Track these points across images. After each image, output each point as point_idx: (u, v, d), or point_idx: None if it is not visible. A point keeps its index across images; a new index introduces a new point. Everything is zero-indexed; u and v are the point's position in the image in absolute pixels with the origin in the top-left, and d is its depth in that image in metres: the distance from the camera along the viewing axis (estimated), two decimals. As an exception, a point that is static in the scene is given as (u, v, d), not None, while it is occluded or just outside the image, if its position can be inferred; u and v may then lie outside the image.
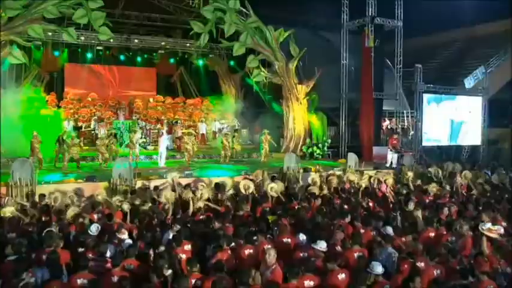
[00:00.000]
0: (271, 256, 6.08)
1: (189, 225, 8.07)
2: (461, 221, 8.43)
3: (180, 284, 5.27)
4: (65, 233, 7.47)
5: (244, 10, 19.87)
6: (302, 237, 7.37)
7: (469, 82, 25.23)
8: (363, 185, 12.29)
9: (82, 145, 16.84)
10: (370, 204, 10.74)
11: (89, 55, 23.98)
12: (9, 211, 8.65)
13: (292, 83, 20.84)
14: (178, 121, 22.90)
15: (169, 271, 5.84)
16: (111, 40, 23.03)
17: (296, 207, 9.81)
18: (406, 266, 6.47)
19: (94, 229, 7.55)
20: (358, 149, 20.10)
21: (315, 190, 11.60)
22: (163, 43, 24.89)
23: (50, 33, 20.94)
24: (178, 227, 7.40)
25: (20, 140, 15.89)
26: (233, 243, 6.92)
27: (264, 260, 6.17)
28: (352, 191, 12.02)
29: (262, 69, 20.76)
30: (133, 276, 5.82)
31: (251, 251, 6.81)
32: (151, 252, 6.55)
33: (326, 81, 22.05)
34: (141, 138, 21.48)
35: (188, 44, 24.94)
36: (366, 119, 21.18)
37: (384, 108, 24.55)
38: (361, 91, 21.20)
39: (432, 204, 10.66)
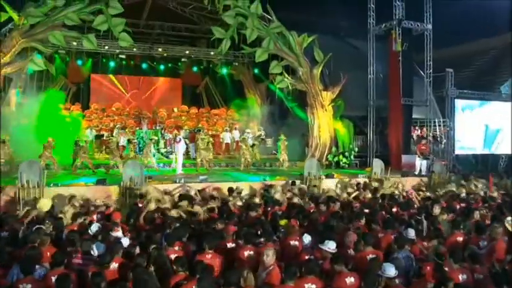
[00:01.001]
0: (269, 257, 5.50)
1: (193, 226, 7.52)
2: (495, 225, 7.57)
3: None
4: (58, 232, 7.06)
5: (266, 15, 19.43)
6: (307, 238, 6.67)
7: (505, 89, 23.99)
8: (387, 191, 11.47)
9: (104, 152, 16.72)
10: (394, 209, 9.93)
11: (112, 64, 23.93)
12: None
13: (316, 89, 20.16)
14: (201, 129, 22.44)
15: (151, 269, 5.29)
16: (134, 49, 23.20)
17: (311, 211, 9.11)
18: (428, 268, 5.72)
19: (94, 229, 7.14)
20: (387, 158, 19.18)
21: (334, 194, 10.84)
22: (187, 52, 24.64)
23: (74, 43, 21.16)
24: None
25: (38, 146, 15.72)
26: (231, 244, 6.29)
27: (261, 260, 5.54)
28: (374, 195, 11.19)
29: (286, 75, 20.16)
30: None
31: (251, 252, 6.16)
32: (137, 250, 6.02)
33: (352, 88, 21.26)
34: (163, 148, 21.35)
35: (212, 53, 24.59)
36: (394, 126, 20.27)
37: (414, 116, 23.52)
38: (389, 97, 20.32)
39: (463, 210, 9.80)
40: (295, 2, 19.99)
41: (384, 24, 20.43)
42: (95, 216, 8.31)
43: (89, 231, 7.12)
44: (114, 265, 5.60)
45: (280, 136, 18.85)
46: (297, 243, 6.76)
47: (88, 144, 19.03)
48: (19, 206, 9.87)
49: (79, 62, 23.02)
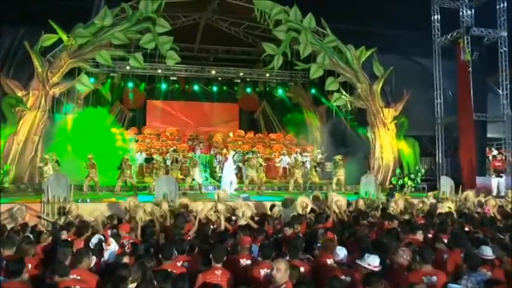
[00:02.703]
0: (281, 272, 4.35)
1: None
2: None
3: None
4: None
5: (320, 29, 18.38)
6: (342, 252, 5.30)
7: None
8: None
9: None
10: (466, 228, 8.24)
11: (164, 87, 23.67)
12: None
13: (377, 106, 18.68)
14: (255, 152, 21.40)
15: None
16: (187, 71, 22.86)
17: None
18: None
19: (94, 241, 6.26)
20: (459, 180, 17.06)
21: (393, 211, 9.30)
22: (241, 74, 23.91)
23: (127, 67, 21.10)
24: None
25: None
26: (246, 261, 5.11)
27: (272, 276, 4.30)
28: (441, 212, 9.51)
29: (343, 92, 18.85)
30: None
31: (269, 270, 4.88)
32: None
33: (417, 105, 19.59)
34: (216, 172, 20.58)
35: (268, 75, 23.70)
36: (466, 145, 18.16)
37: (490, 135, 21.20)
38: (459, 113, 18.37)
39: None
40: (351, 14, 18.73)
41: (450, 34, 18.67)
42: (109, 231, 7.40)
43: (90, 243, 6.29)
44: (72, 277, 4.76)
45: (336, 156, 17.42)
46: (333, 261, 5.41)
47: (136, 167, 18.84)
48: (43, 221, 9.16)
49: (130, 85, 22.86)
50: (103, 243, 6.17)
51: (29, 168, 15.28)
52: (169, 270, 4.81)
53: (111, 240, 6.20)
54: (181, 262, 5.32)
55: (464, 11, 18.21)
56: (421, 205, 10.65)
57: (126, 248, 6.29)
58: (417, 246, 5.74)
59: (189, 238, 6.67)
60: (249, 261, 5.43)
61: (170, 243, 5.69)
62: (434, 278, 4.83)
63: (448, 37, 18.69)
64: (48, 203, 9.83)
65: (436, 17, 19.20)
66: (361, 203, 10.50)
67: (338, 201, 8.98)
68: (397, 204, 10.39)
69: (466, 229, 8.19)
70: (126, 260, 5.19)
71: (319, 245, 6.00)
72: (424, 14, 19.18)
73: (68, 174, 15.34)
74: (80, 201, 10.86)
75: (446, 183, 13.50)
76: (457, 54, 17.88)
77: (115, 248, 5.99)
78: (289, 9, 17.74)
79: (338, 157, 17.33)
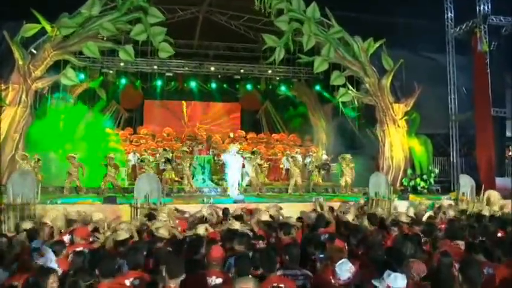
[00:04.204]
0: None
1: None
2: None
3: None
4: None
5: (325, 20, 17.12)
6: (345, 268, 3.96)
7: None
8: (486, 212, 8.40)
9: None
10: (499, 234, 6.91)
11: (160, 83, 22.41)
12: None
13: (387, 102, 17.36)
14: (256, 153, 20.07)
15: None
16: (185, 67, 21.65)
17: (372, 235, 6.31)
18: None
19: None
20: (476, 182, 15.68)
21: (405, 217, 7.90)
22: (242, 70, 22.58)
23: (122, 64, 19.92)
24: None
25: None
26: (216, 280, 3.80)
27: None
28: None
29: (350, 87, 17.55)
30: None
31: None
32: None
33: (429, 101, 18.23)
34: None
35: (270, 71, 22.37)
36: (483, 143, 16.78)
37: (509, 135, 19.76)
38: (475, 109, 17.02)
39: None
40: (357, 3, 17.43)
41: (464, 24, 17.33)
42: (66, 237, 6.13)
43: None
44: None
45: (344, 155, 16.12)
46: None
47: (129, 168, 17.77)
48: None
49: (124, 82, 21.59)
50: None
51: (9, 168, 14.05)
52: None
53: (45, 249, 4.92)
54: (131, 279, 4.02)
55: (481, -2, 16.86)
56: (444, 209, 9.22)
57: (69, 258, 5.03)
58: (457, 257, 4.41)
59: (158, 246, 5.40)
60: (219, 280, 4.13)
61: (116, 254, 4.38)
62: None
63: (463, 27, 17.35)
64: (10, 205, 8.52)
65: (449, 5, 17.89)
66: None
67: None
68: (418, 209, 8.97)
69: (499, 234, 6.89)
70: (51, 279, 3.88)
71: (321, 255, 4.67)
72: (436, 2, 17.85)
73: (57, 176, 14.59)
74: (48, 202, 9.62)
75: (466, 183, 12.14)
76: (473, 45, 16.52)
77: (49, 260, 4.70)
78: (291, -2, 16.52)
79: (347, 155, 16.07)
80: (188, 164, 15.64)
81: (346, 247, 5.22)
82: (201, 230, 6.39)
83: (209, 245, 4.74)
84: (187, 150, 17.56)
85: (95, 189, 14.04)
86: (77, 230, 6.19)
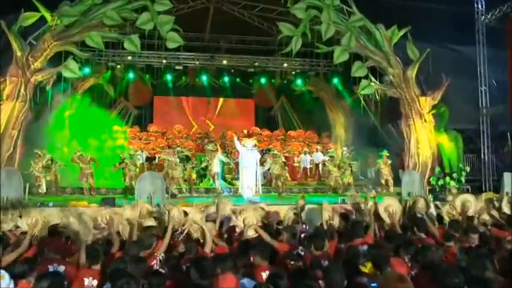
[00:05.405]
0: None
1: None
2: None
3: None
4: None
5: (345, 7, 15.93)
6: None
7: None
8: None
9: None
10: None
11: (170, 78, 21.30)
12: None
13: (412, 94, 16.14)
14: (272, 151, 18.87)
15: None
16: (196, 61, 20.58)
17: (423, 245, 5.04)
18: None
19: None
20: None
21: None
22: (256, 63, 21.38)
23: (129, 58, 18.92)
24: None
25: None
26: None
27: None
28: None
29: (373, 78, 16.33)
30: None
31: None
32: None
33: (457, 95, 16.97)
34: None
35: (285, 64, 21.15)
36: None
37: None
38: (509, 101, 15.71)
39: None
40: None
41: (497, 9, 16.00)
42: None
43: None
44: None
45: (382, 151, 15.22)
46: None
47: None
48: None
49: (133, 77, 20.52)
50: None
51: (6, 166, 13.07)
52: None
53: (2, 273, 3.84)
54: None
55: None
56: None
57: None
58: None
59: (153, 263, 4.31)
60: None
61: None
62: None
63: (496, 12, 16.02)
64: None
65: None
66: (421, 203, 7.67)
67: (390, 206, 6.43)
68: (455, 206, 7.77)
69: None
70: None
71: (365, 279, 3.41)
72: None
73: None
74: (38, 205, 8.59)
75: (509, 181, 10.82)
76: (508, 30, 15.21)
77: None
78: (309, -17, 15.37)
79: (385, 153, 15.34)
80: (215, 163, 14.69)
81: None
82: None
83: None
84: (213, 149, 16.55)
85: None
86: (52, 244, 4.99)
